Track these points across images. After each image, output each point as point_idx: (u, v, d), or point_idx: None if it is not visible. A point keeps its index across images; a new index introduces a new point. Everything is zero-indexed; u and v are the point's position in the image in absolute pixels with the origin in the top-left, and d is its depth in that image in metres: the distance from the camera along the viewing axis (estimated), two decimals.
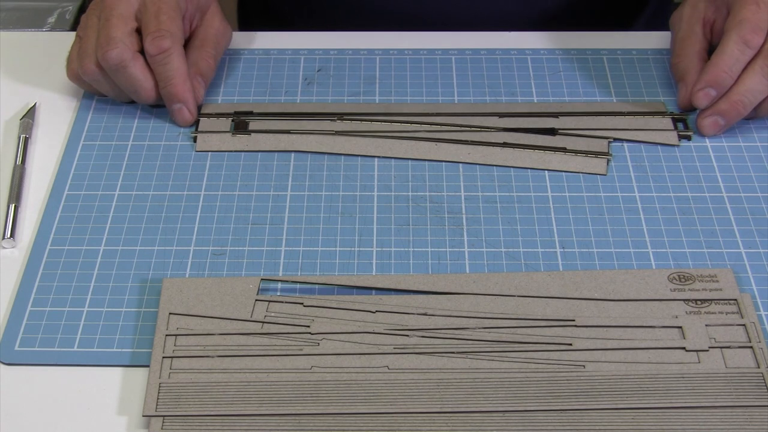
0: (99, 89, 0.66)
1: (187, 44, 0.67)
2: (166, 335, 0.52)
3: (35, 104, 0.68)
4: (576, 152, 0.64)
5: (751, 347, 0.52)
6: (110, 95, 0.67)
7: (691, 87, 0.64)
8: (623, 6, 0.86)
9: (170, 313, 0.54)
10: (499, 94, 0.69)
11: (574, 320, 0.53)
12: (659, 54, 0.72)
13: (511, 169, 0.63)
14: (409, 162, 0.64)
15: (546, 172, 0.63)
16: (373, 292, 0.55)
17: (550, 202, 0.61)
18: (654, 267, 0.57)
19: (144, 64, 0.63)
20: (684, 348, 0.52)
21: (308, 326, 0.53)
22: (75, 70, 0.66)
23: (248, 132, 0.66)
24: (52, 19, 0.82)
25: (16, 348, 0.53)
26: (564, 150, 0.64)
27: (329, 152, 0.64)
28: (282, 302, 0.54)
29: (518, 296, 0.54)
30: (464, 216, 0.60)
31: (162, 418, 0.49)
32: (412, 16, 0.79)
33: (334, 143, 0.65)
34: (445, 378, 0.51)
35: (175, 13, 0.64)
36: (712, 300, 0.54)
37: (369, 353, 0.52)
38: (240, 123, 0.66)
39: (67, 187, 0.62)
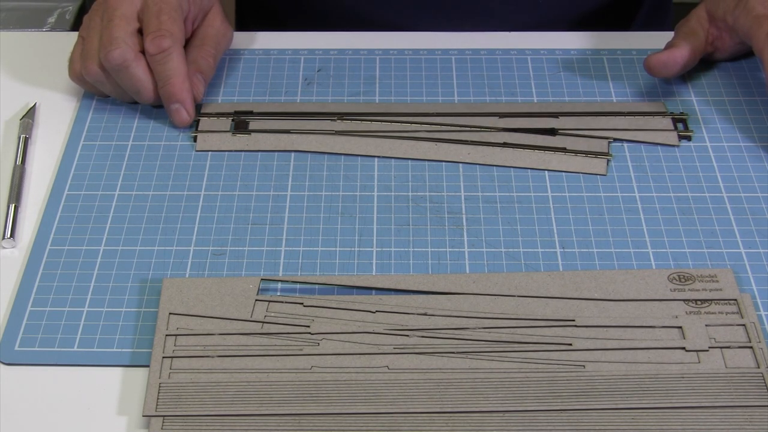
0: (102, 90, 0.66)
1: (187, 43, 0.67)
2: (166, 335, 0.52)
3: (35, 104, 0.68)
4: (576, 152, 0.64)
5: (751, 347, 0.52)
6: (113, 95, 0.67)
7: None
8: (619, 8, 0.86)
9: (170, 313, 0.54)
10: (499, 94, 0.69)
11: (574, 320, 0.53)
12: None
13: (511, 169, 0.63)
14: (409, 162, 0.64)
15: (546, 172, 0.63)
16: (373, 292, 0.55)
17: (550, 202, 0.61)
18: (654, 267, 0.57)
19: (146, 64, 0.64)
20: (684, 348, 0.52)
21: (308, 326, 0.53)
22: (78, 71, 0.66)
23: (248, 132, 0.66)
24: (52, 19, 0.82)
25: (16, 348, 0.53)
26: (564, 150, 0.64)
27: (329, 152, 0.64)
28: (282, 302, 0.54)
29: (518, 296, 0.54)
30: (464, 216, 0.60)
31: (162, 418, 0.49)
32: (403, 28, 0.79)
33: (334, 143, 0.65)
34: (445, 378, 0.51)
35: (176, 13, 0.64)
36: (712, 300, 0.54)
37: (369, 353, 0.52)
38: (240, 123, 0.66)
39: (67, 187, 0.62)
